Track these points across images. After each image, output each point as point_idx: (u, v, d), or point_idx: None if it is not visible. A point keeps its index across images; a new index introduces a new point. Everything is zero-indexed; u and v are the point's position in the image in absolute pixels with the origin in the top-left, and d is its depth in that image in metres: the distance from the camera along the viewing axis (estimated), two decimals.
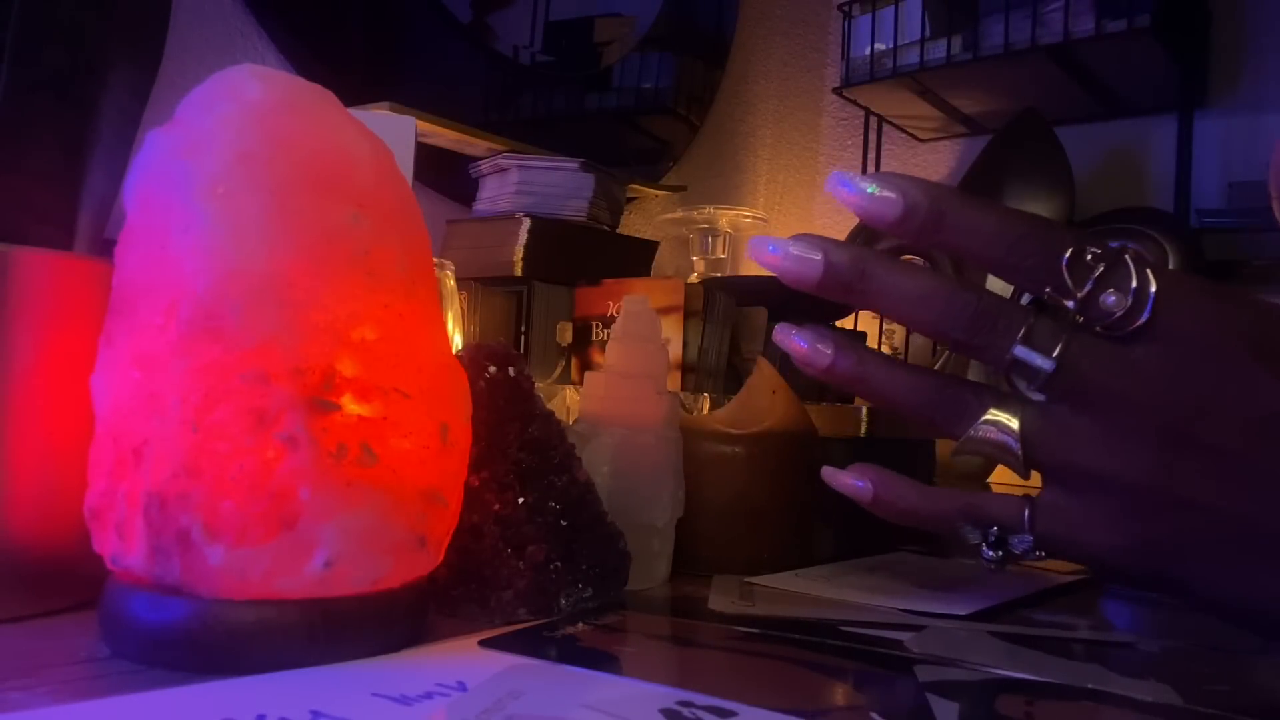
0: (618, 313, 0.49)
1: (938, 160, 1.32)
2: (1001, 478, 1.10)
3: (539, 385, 0.41)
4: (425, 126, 0.82)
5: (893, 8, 1.11)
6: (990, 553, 0.35)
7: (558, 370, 0.81)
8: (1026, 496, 0.34)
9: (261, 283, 0.28)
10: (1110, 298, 0.31)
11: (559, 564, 0.37)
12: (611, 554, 0.39)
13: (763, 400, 0.50)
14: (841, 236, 1.23)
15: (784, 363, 0.84)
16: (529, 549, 0.36)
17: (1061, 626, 0.40)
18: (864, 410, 0.72)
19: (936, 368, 1.12)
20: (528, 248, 0.82)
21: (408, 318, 0.31)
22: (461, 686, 0.27)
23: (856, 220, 1.25)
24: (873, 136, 1.28)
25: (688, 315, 0.75)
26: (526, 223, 0.82)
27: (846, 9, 1.17)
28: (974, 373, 1.08)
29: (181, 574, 0.28)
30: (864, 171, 1.29)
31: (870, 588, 0.46)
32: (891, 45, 1.11)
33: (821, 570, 0.50)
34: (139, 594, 0.28)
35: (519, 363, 0.39)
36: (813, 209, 1.43)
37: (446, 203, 0.96)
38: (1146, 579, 0.33)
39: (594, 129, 1.18)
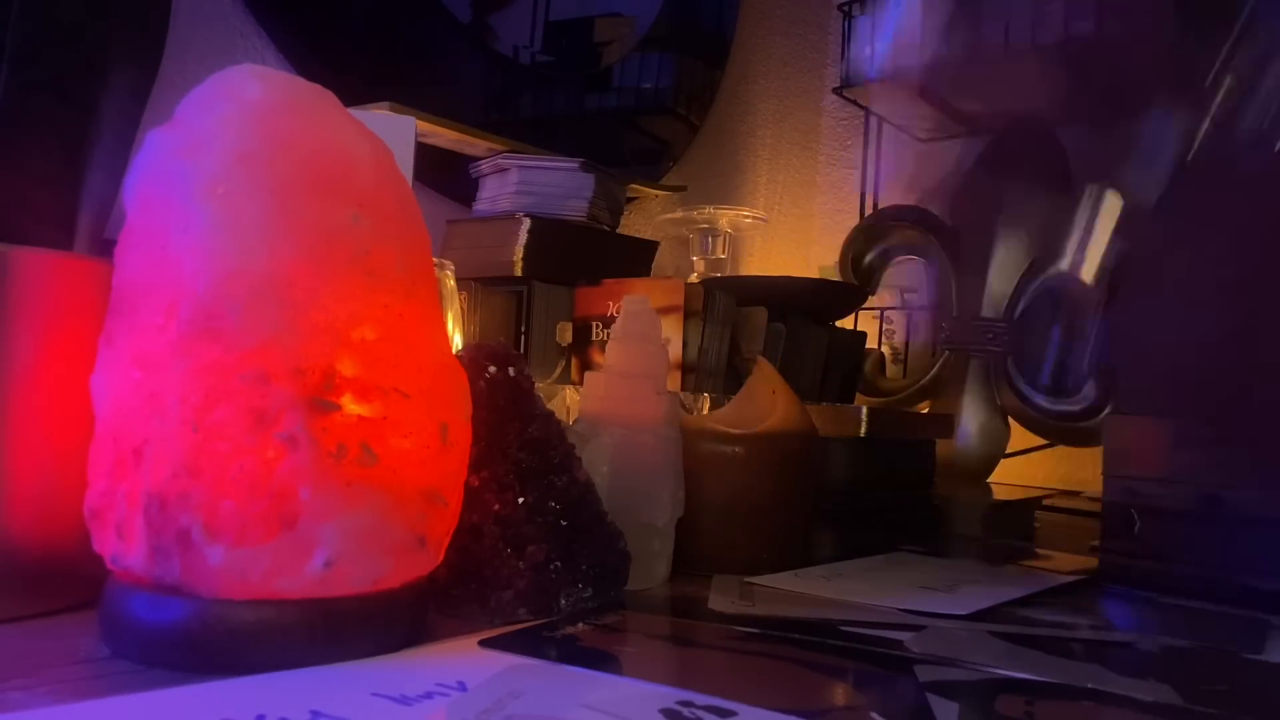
0: (618, 313, 0.49)
1: (938, 160, 1.32)
2: (1001, 477, 1.10)
3: (539, 385, 0.41)
4: (425, 126, 0.82)
5: (893, 8, 1.11)
6: None
7: (558, 370, 0.81)
8: None
9: (261, 283, 0.28)
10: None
11: (559, 564, 0.37)
12: (611, 554, 0.39)
13: (763, 400, 0.50)
14: (841, 237, 1.23)
15: (784, 362, 0.84)
16: (529, 549, 0.36)
17: (1061, 626, 0.40)
18: (864, 410, 0.72)
19: (936, 368, 1.12)
20: (528, 248, 0.82)
21: (408, 318, 0.31)
22: (461, 686, 0.27)
23: (856, 220, 1.26)
24: (873, 136, 1.28)
25: (688, 315, 0.75)
26: (526, 223, 0.82)
27: (846, 9, 1.17)
28: (973, 375, 1.08)
29: (181, 574, 0.28)
30: (863, 170, 1.29)
31: (870, 588, 0.46)
32: (891, 45, 1.11)
33: (821, 570, 0.50)
34: (139, 594, 0.28)
35: (519, 363, 0.39)
36: (813, 209, 1.43)
37: (446, 203, 0.96)
38: None
39: (594, 129, 1.18)
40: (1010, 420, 1.07)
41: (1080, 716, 0.29)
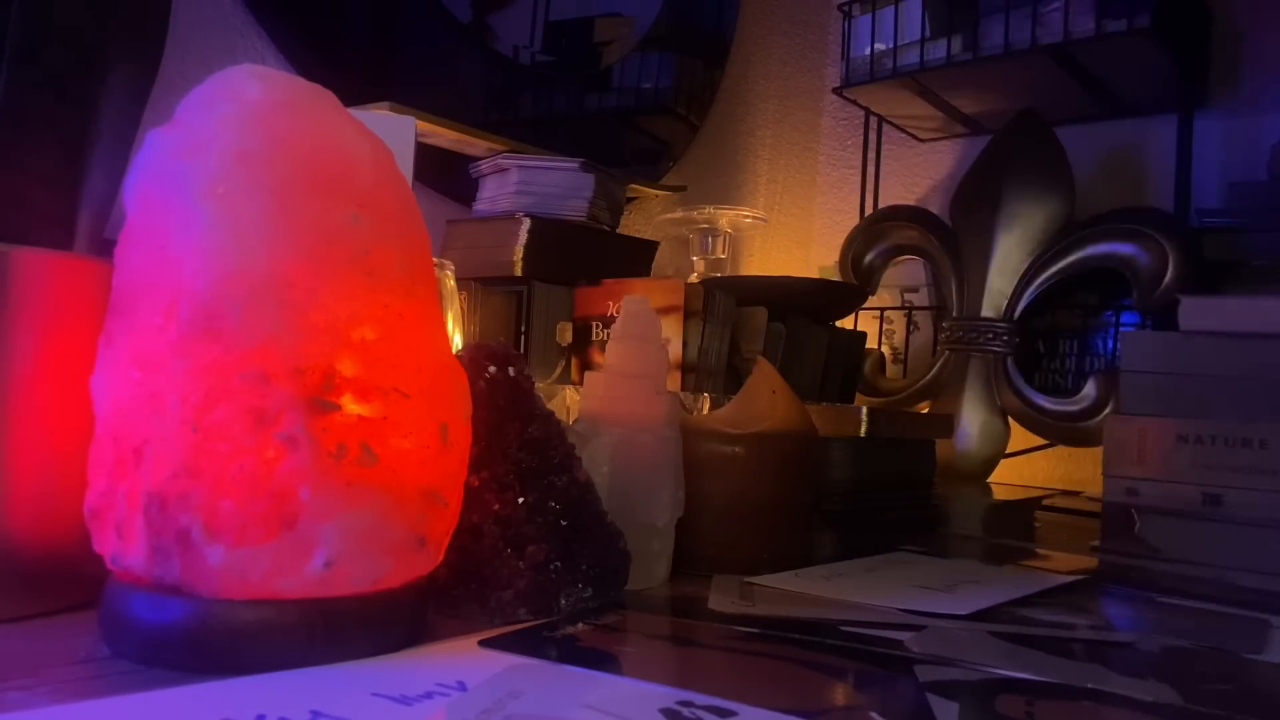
0: (618, 313, 0.49)
1: (938, 160, 1.32)
2: (1001, 477, 1.10)
3: (539, 385, 0.41)
4: (425, 126, 0.82)
5: (893, 8, 1.11)
6: None
7: (558, 370, 0.81)
8: None
9: (261, 283, 0.28)
10: None
11: (559, 564, 0.37)
12: (611, 554, 0.39)
13: (763, 400, 0.50)
14: (840, 238, 1.23)
15: (784, 362, 0.84)
16: (529, 549, 0.36)
17: (1061, 626, 0.40)
18: (864, 410, 0.72)
19: (936, 368, 1.12)
20: (528, 248, 0.82)
21: (408, 318, 0.31)
22: (461, 686, 0.27)
23: (856, 220, 1.26)
24: (873, 136, 1.29)
25: (688, 315, 0.75)
26: (526, 223, 0.82)
27: (846, 9, 1.17)
28: (973, 374, 1.08)
29: (181, 574, 0.28)
30: (863, 170, 1.29)
31: (870, 588, 0.46)
32: (891, 45, 1.11)
33: (821, 570, 0.50)
34: (139, 594, 0.28)
35: (519, 363, 0.39)
36: (813, 209, 1.43)
37: (446, 203, 0.96)
38: None
39: (594, 129, 1.18)
40: (1010, 420, 1.07)
41: (1080, 716, 0.29)
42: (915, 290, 1.25)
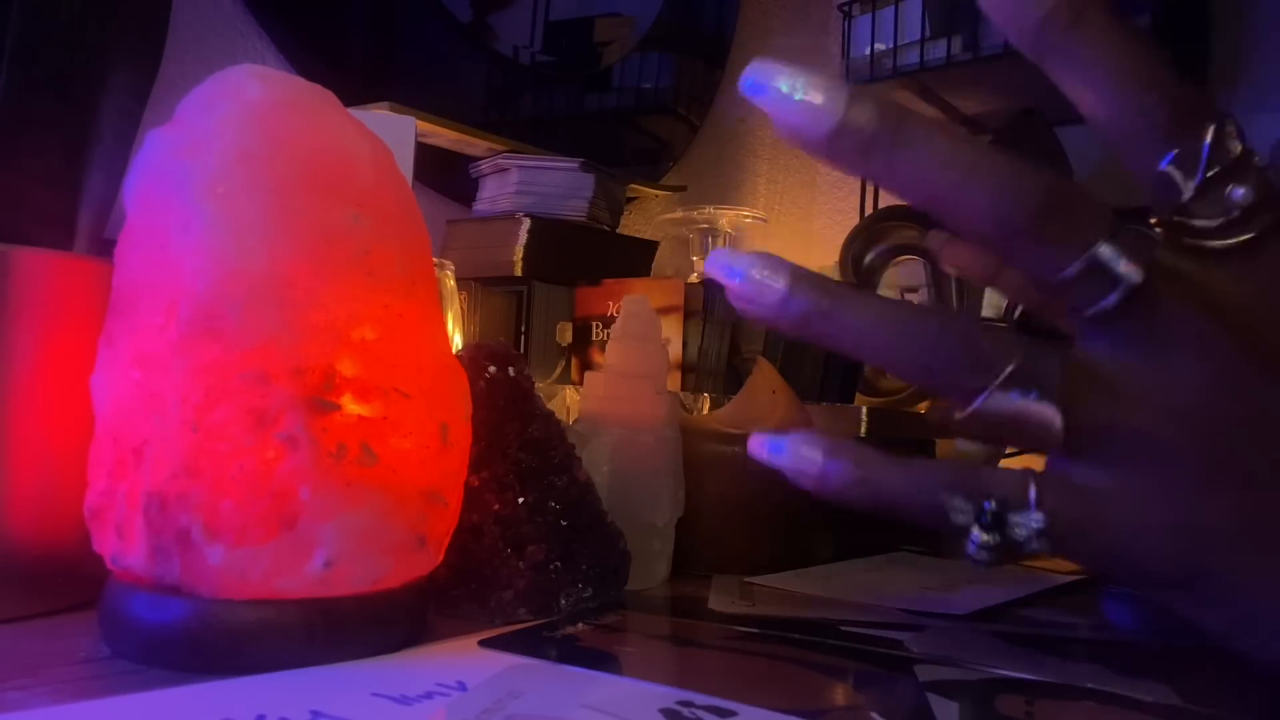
0: (618, 313, 0.49)
1: None
2: None
3: (539, 385, 0.41)
4: (425, 126, 0.82)
5: (893, 8, 1.11)
6: (980, 537, 0.27)
7: (558, 370, 0.81)
8: (1028, 470, 0.27)
9: (261, 283, 0.28)
10: (1238, 190, 0.25)
11: (559, 564, 0.37)
12: (611, 554, 0.39)
13: (763, 400, 0.50)
14: (840, 239, 1.23)
15: (784, 362, 0.84)
16: (529, 549, 0.36)
17: (1061, 626, 0.40)
18: (864, 410, 0.72)
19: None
20: (528, 248, 0.82)
21: (408, 318, 0.31)
22: (461, 686, 0.27)
23: (856, 220, 1.25)
24: None
25: (688, 315, 0.75)
26: (526, 223, 0.82)
27: (846, 9, 1.17)
28: None
29: (181, 574, 0.28)
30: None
31: (870, 588, 0.46)
32: (891, 45, 1.11)
33: (821, 570, 0.50)
34: (139, 594, 0.28)
35: (519, 363, 0.39)
36: (813, 209, 1.43)
37: (446, 203, 0.96)
38: (1170, 583, 0.27)
39: (594, 129, 1.18)
40: None
41: (1080, 716, 0.29)
42: (915, 290, 1.25)
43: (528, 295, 0.80)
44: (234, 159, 0.29)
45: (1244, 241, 0.25)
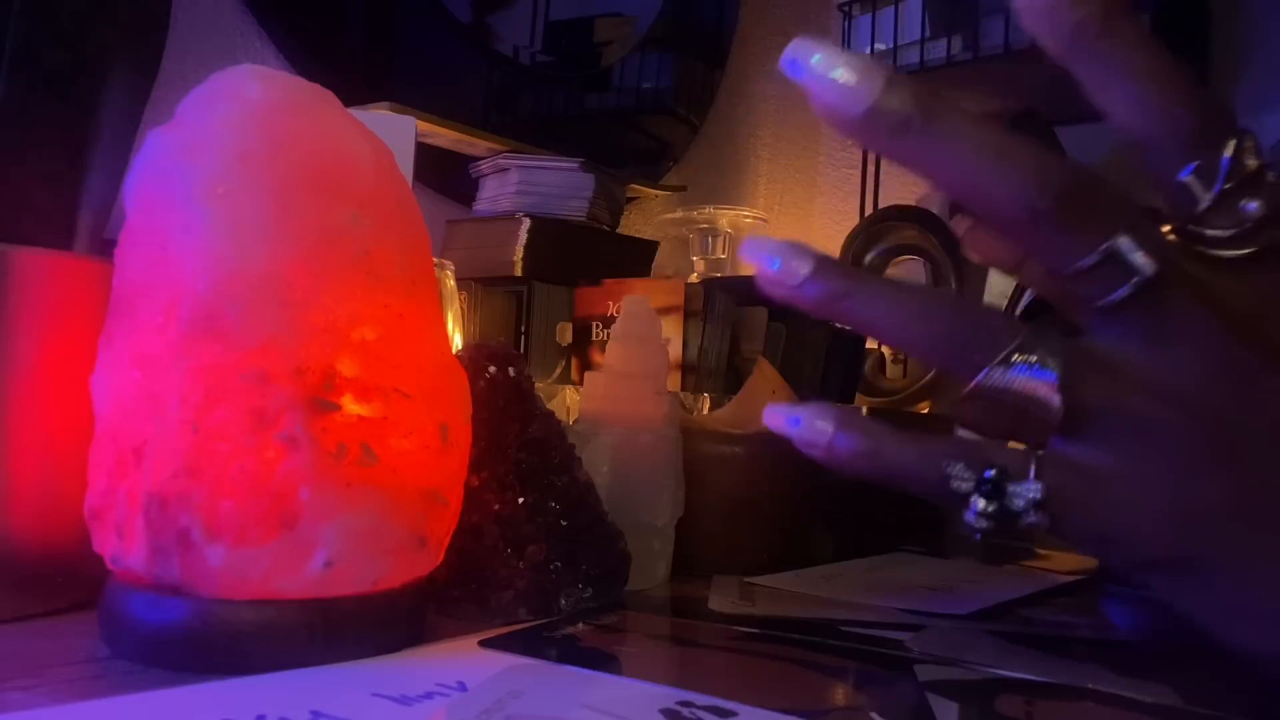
0: (618, 313, 0.49)
1: None
2: None
3: (539, 385, 0.41)
4: (425, 126, 0.81)
5: (893, 8, 1.11)
6: (978, 504, 0.27)
7: (558, 370, 0.81)
8: (1030, 449, 0.28)
9: (261, 283, 0.28)
10: (1251, 204, 0.26)
11: (559, 564, 0.37)
12: (611, 554, 0.39)
13: (763, 400, 0.50)
14: (841, 238, 1.23)
15: (784, 362, 0.84)
16: (529, 549, 0.36)
17: (1061, 626, 0.40)
18: (864, 410, 0.72)
19: (936, 369, 1.12)
20: (528, 248, 0.82)
21: (408, 318, 0.31)
22: (461, 686, 0.27)
23: (856, 220, 1.25)
24: None
25: (688, 315, 0.75)
26: (526, 223, 0.82)
27: (846, 9, 1.17)
28: None
29: (181, 574, 0.28)
30: (863, 170, 1.29)
31: (870, 588, 0.46)
32: (891, 45, 1.11)
33: (821, 570, 0.50)
34: (139, 594, 0.28)
35: (519, 363, 0.39)
36: (813, 209, 1.43)
37: (446, 203, 0.96)
38: (1168, 566, 0.27)
39: (594, 129, 1.18)
40: None
41: (1080, 716, 0.29)
42: None
43: (528, 295, 0.80)
44: (234, 159, 0.29)
45: (1251, 253, 0.26)
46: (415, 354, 0.31)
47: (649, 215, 1.20)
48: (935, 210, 1.20)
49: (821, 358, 0.91)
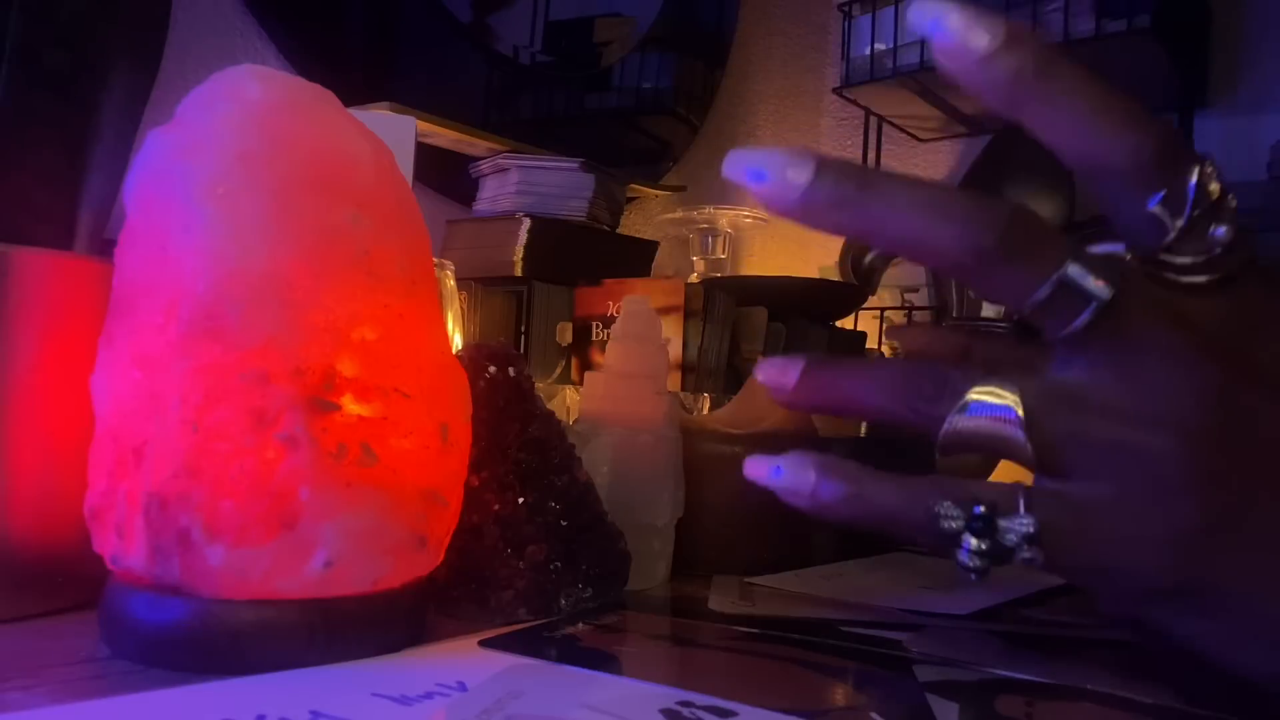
0: (618, 313, 0.49)
1: (938, 160, 1.32)
2: (1001, 476, 1.10)
3: (539, 385, 0.41)
4: (425, 126, 0.82)
5: (893, 8, 1.11)
6: (971, 543, 0.27)
7: (558, 370, 0.81)
8: (1018, 483, 0.28)
9: (261, 283, 0.28)
10: (1219, 230, 0.26)
11: (559, 564, 0.37)
12: (611, 554, 0.39)
13: (763, 400, 0.50)
14: (839, 240, 1.23)
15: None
16: (529, 549, 0.36)
17: (1061, 626, 0.40)
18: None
19: None
20: (528, 248, 0.82)
21: (408, 318, 0.31)
22: (461, 686, 0.27)
23: None
24: (873, 136, 1.28)
25: (688, 315, 0.75)
26: (526, 223, 0.82)
27: (846, 9, 1.17)
28: None
29: (181, 574, 0.28)
30: None
31: (870, 588, 0.46)
32: (891, 45, 1.11)
33: (821, 570, 0.50)
34: (139, 594, 0.28)
35: (519, 363, 0.39)
36: None
37: (446, 203, 0.96)
38: (1165, 594, 0.27)
39: (594, 129, 1.18)
40: None
41: (1080, 717, 0.29)
42: (915, 290, 1.25)
43: (528, 295, 0.80)
44: (234, 159, 0.29)
45: (1217, 279, 0.27)
46: (415, 354, 0.31)
47: (649, 215, 1.20)
48: None
49: None
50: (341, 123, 0.32)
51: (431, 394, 0.31)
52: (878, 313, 1.25)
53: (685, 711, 0.26)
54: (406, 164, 0.56)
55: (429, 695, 0.26)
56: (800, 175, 0.27)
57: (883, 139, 1.30)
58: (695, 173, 1.31)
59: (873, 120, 1.27)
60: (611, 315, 0.78)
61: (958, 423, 0.27)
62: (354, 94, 0.44)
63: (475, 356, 0.38)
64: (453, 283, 0.58)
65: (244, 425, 0.27)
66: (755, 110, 1.42)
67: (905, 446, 0.84)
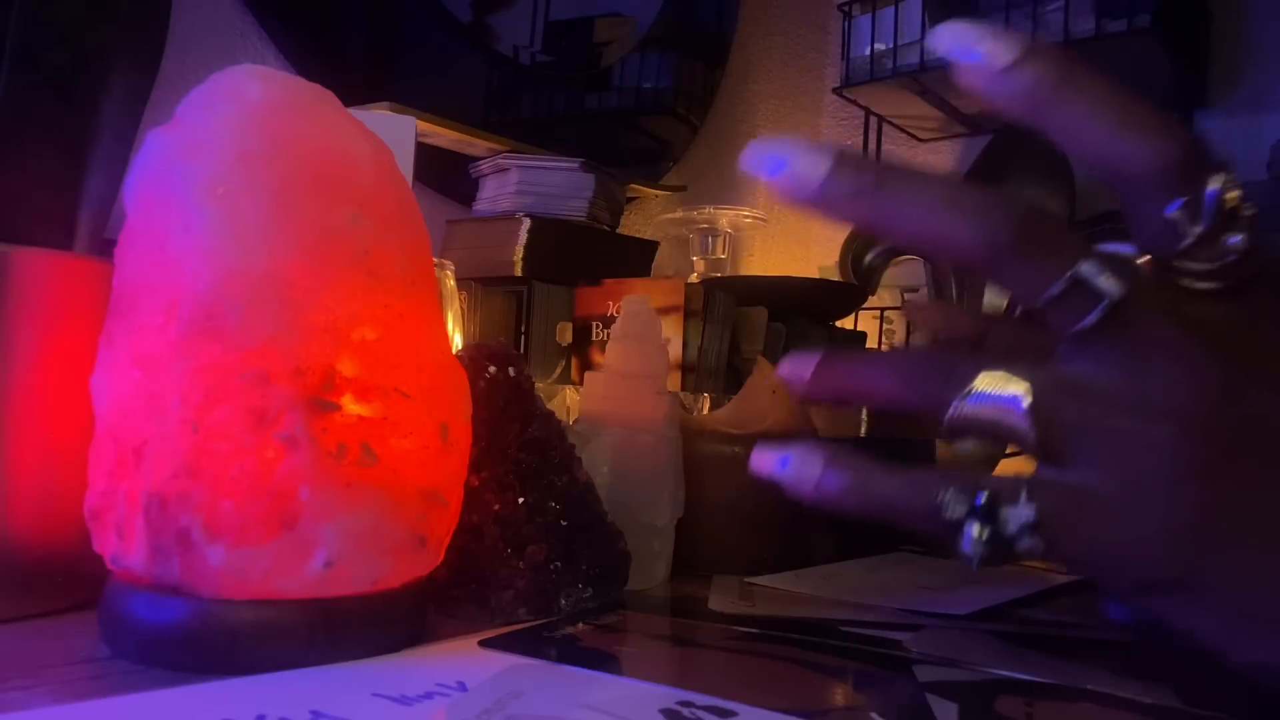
0: (618, 313, 0.49)
1: (937, 160, 1.32)
2: None
3: (539, 385, 0.41)
4: (425, 126, 0.82)
5: (893, 8, 1.12)
6: (973, 530, 0.27)
7: (558, 370, 0.81)
8: (1019, 474, 0.28)
9: (261, 283, 0.28)
10: (1235, 238, 0.27)
11: (559, 564, 0.37)
12: (611, 554, 0.39)
13: (763, 400, 0.50)
14: (840, 238, 1.23)
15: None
16: (529, 549, 0.36)
17: (1061, 626, 0.40)
18: (864, 410, 0.72)
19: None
20: (528, 248, 0.82)
21: (408, 318, 0.31)
22: (461, 686, 0.27)
23: None
24: (873, 136, 1.29)
25: (688, 315, 0.75)
26: (526, 223, 0.82)
27: (846, 9, 1.17)
28: None
29: (181, 574, 0.28)
30: None
31: (870, 588, 0.46)
32: (891, 45, 1.11)
33: (821, 570, 0.50)
34: (139, 594, 0.28)
35: (519, 363, 0.39)
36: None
37: (446, 203, 0.96)
38: (1165, 583, 0.27)
39: (594, 129, 1.18)
40: None
41: (1080, 717, 0.29)
42: (915, 290, 1.25)
43: (528, 295, 0.80)
44: (234, 159, 0.29)
45: (1230, 285, 0.27)
46: (415, 354, 0.31)
47: (649, 215, 1.20)
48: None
49: None
50: (341, 123, 0.32)
51: (431, 394, 0.31)
52: (878, 313, 1.25)
53: (685, 711, 0.26)
54: (406, 164, 0.55)
55: (429, 695, 0.26)
56: (820, 167, 0.27)
57: (883, 139, 1.30)
58: (695, 173, 1.31)
59: (873, 120, 1.27)
60: (611, 315, 0.78)
61: (964, 407, 0.28)
62: (354, 94, 0.44)
63: (475, 356, 0.38)
64: (453, 283, 0.58)
65: (244, 425, 0.27)
66: (755, 110, 1.42)
67: (904, 446, 0.84)
